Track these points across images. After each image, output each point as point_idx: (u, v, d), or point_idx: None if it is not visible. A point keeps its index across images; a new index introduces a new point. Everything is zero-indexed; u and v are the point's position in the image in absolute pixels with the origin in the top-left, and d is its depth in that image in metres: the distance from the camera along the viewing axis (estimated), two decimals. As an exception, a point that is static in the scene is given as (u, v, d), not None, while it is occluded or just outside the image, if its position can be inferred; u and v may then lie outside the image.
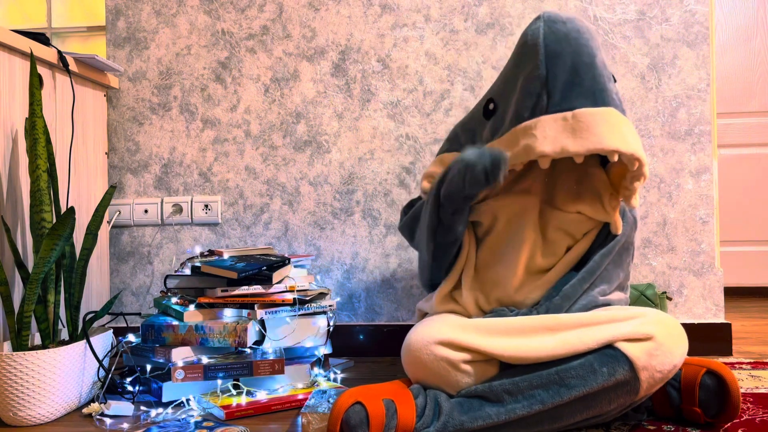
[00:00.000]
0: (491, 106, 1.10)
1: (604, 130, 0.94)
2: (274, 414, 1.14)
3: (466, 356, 0.95)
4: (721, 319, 1.55)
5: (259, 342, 1.25)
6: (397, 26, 1.63)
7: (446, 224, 1.08)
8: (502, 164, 0.93)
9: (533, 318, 0.99)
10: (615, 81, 1.06)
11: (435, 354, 0.96)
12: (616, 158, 0.96)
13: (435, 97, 1.62)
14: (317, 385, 1.25)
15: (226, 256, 1.37)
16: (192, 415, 1.12)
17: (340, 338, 1.61)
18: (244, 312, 1.24)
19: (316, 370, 1.29)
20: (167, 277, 1.36)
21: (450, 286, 1.14)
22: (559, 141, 0.95)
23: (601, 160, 1.14)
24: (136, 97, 1.70)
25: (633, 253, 1.14)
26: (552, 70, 0.97)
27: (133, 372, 1.26)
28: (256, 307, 1.23)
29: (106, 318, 1.61)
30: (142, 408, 1.18)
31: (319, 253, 1.64)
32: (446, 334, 0.96)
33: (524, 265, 1.09)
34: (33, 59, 1.18)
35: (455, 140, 1.19)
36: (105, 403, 1.15)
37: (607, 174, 1.11)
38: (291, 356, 1.29)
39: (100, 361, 1.20)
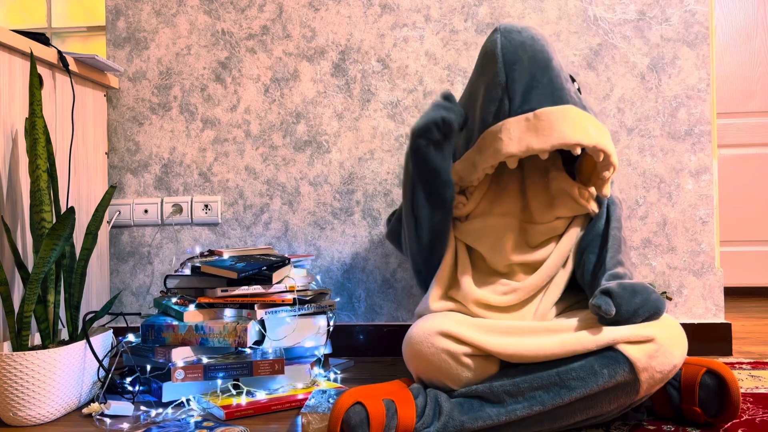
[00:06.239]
0: None
1: (564, 126, 1.00)
2: (274, 414, 1.14)
3: (467, 349, 0.96)
4: (721, 319, 1.55)
5: (259, 342, 1.25)
6: (397, 26, 1.63)
7: (424, 178, 1.09)
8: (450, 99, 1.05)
9: (534, 322, 1.01)
10: (574, 81, 1.13)
11: (436, 346, 0.96)
12: (578, 151, 1.01)
13: (435, 97, 1.61)
14: (317, 385, 1.25)
15: (226, 256, 1.37)
16: (192, 415, 1.12)
17: (340, 338, 1.61)
18: (244, 312, 1.24)
19: (316, 370, 1.29)
20: (167, 277, 1.36)
21: (441, 288, 1.14)
22: (524, 140, 1.00)
23: (564, 160, 1.18)
24: (136, 97, 1.70)
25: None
26: (511, 76, 1.03)
27: (133, 372, 1.26)
28: (256, 307, 1.23)
29: (106, 318, 1.61)
30: (142, 408, 1.18)
31: (319, 253, 1.64)
32: (447, 326, 0.97)
33: (518, 275, 1.14)
34: (33, 59, 1.18)
35: None
36: (105, 403, 1.15)
37: (580, 169, 1.15)
38: (291, 356, 1.29)
39: (100, 361, 1.20)
